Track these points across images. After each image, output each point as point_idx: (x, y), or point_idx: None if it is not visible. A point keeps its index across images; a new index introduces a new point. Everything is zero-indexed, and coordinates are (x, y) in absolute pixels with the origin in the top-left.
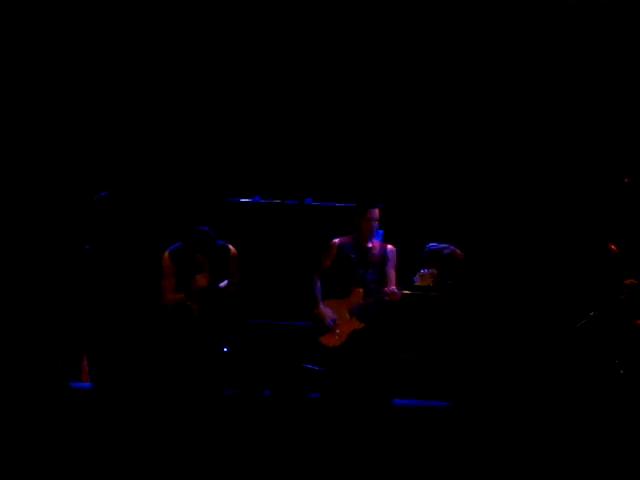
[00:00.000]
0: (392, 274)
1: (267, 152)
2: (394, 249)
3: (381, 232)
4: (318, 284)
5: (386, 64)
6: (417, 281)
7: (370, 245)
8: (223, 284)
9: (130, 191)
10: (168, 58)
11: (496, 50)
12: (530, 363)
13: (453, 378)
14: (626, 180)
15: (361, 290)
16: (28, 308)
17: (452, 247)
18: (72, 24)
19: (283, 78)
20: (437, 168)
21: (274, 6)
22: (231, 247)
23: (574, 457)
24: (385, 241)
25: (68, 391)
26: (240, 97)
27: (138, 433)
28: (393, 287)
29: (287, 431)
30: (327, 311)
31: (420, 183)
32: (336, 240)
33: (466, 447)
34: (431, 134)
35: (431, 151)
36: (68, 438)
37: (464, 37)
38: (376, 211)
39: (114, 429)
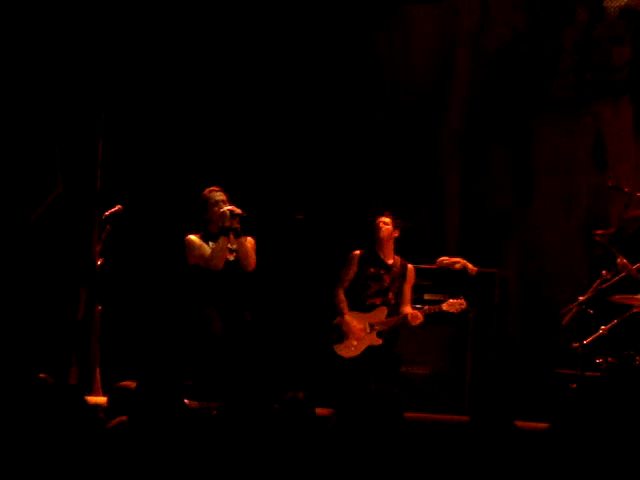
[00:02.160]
0: (408, 292)
1: (273, 165)
2: (413, 269)
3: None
4: (340, 296)
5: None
6: (444, 307)
7: (391, 262)
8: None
9: (141, 205)
10: (186, 72)
11: None
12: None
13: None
14: None
15: (385, 308)
16: (42, 321)
17: (464, 261)
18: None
19: (291, 92)
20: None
21: None
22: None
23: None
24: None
25: (81, 405)
26: (247, 110)
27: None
28: (416, 312)
29: (294, 445)
30: (350, 322)
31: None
32: (356, 252)
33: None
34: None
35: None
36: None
37: None
38: (386, 220)
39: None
